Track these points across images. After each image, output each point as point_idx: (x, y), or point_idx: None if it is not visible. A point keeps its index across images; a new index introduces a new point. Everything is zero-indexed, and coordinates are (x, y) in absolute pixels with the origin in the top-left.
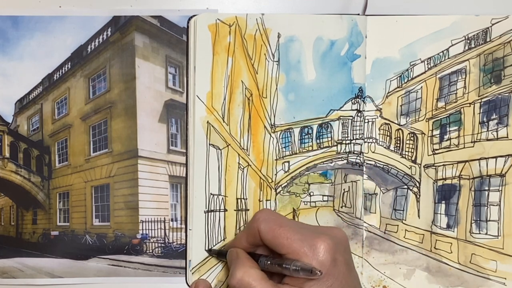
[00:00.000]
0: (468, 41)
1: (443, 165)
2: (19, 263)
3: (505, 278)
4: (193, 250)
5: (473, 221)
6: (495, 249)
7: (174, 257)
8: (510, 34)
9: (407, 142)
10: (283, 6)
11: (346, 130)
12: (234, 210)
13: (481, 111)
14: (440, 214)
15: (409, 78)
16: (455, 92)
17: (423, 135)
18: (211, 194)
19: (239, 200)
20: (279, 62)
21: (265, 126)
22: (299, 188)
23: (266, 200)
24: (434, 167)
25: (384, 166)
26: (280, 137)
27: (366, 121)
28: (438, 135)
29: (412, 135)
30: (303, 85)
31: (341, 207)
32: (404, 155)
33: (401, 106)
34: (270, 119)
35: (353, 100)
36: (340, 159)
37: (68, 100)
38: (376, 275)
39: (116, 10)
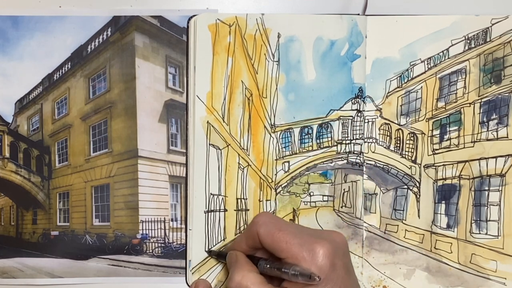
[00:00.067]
0: (468, 41)
1: (443, 165)
2: (19, 263)
3: (505, 278)
4: (193, 250)
5: (473, 221)
6: (495, 249)
7: (174, 257)
8: (510, 34)
9: (407, 142)
10: (283, 6)
11: (346, 130)
12: (234, 210)
13: (481, 111)
14: (440, 214)
15: (409, 78)
16: (455, 92)
17: (423, 135)
18: (211, 194)
19: (239, 200)
20: (279, 62)
21: (265, 126)
22: (299, 188)
23: (266, 200)
24: (434, 167)
25: (384, 166)
26: (280, 137)
27: (366, 121)
28: (438, 135)
29: (412, 135)
30: (303, 85)
31: (341, 207)
32: (404, 155)
33: (401, 106)
34: (270, 119)
35: (353, 100)
36: (340, 159)
37: (68, 100)
38: (376, 275)
39: (116, 10)
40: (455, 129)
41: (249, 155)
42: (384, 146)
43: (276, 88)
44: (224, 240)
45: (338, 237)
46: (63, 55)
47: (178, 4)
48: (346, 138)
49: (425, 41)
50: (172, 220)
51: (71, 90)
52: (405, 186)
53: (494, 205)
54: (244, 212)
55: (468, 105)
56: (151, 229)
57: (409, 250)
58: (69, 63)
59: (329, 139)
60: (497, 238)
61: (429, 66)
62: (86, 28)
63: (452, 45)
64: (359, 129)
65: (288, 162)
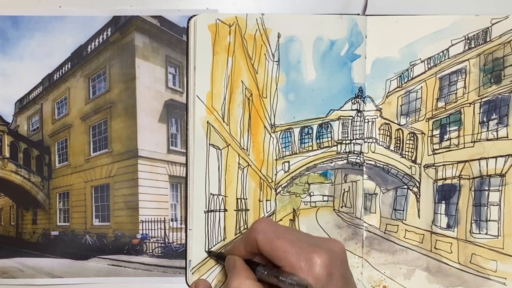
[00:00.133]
0: (468, 41)
1: (443, 165)
2: (19, 263)
3: (505, 278)
4: (193, 250)
5: (473, 221)
6: (495, 249)
7: (174, 257)
8: (510, 34)
9: (407, 142)
10: (283, 6)
11: (346, 130)
12: (234, 210)
13: (481, 111)
14: (440, 214)
15: (409, 78)
16: (455, 92)
17: (423, 135)
18: (211, 194)
19: (239, 200)
20: (279, 62)
21: (265, 126)
22: (299, 188)
23: (266, 200)
24: (434, 167)
25: (384, 166)
26: (280, 137)
27: (366, 121)
28: (438, 135)
29: (412, 135)
30: (303, 85)
31: (341, 207)
32: (404, 155)
33: (401, 106)
34: (270, 119)
35: (353, 100)
36: (340, 159)
37: (68, 100)
38: (376, 275)
39: (116, 10)
40: (455, 129)
41: (249, 155)
42: (384, 146)
43: (276, 88)
44: (224, 240)
45: (336, 246)
46: (63, 55)
47: (178, 4)
48: (346, 138)
49: (425, 41)
50: (172, 220)
51: (71, 90)
52: (405, 186)
53: (494, 205)
54: (244, 212)
55: (468, 105)
56: (151, 229)
57: (409, 250)
58: (69, 63)
59: (329, 139)
60: (497, 238)
61: (429, 66)
62: (86, 28)
63: (452, 45)
64: (359, 129)
65: (288, 162)
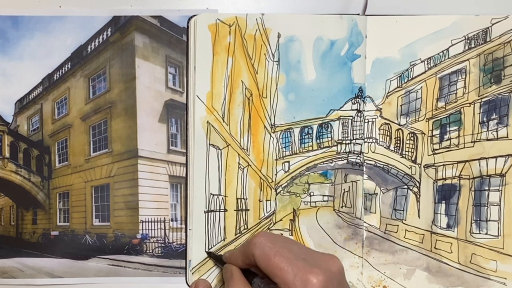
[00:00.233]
0: (468, 41)
1: (443, 165)
2: (19, 263)
3: (505, 278)
4: (193, 250)
5: (473, 221)
6: (495, 249)
7: (174, 257)
8: (510, 34)
9: (407, 142)
10: (283, 6)
11: (346, 130)
12: (234, 210)
13: (481, 111)
14: (440, 214)
15: (409, 78)
16: (455, 92)
17: (423, 135)
18: (211, 194)
19: (239, 200)
20: (279, 62)
21: (265, 126)
22: (299, 188)
23: (266, 200)
24: (434, 167)
25: (384, 166)
26: (280, 137)
27: (366, 121)
28: (438, 135)
29: (412, 135)
30: (303, 85)
31: (341, 207)
32: (404, 155)
33: (401, 106)
34: (270, 119)
35: (353, 100)
36: (340, 159)
37: (68, 100)
38: (376, 275)
39: (116, 10)
40: (455, 129)
41: (249, 155)
42: (384, 146)
43: (276, 88)
44: (224, 240)
45: (334, 265)
46: (63, 55)
47: (178, 4)
48: (346, 138)
49: (425, 41)
50: (172, 220)
51: (71, 90)
52: (405, 186)
53: (494, 205)
54: (244, 212)
55: (468, 105)
56: (151, 229)
57: (409, 250)
58: (69, 63)
59: (329, 139)
60: (497, 238)
61: (429, 66)
62: (86, 28)
63: (452, 45)
64: (359, 129)
65: (288, 162)
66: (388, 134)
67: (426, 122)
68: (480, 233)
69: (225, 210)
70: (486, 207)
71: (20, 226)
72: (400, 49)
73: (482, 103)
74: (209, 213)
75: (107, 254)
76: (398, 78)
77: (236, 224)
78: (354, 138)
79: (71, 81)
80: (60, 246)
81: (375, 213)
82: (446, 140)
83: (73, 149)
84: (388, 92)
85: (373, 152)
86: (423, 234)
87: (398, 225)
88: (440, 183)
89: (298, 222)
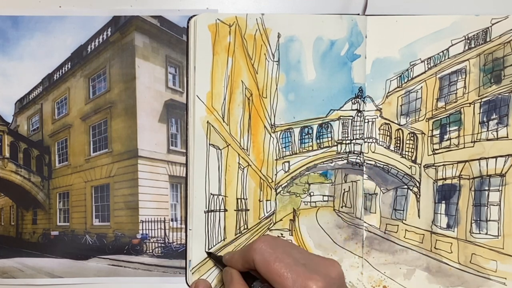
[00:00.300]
0: (468, 41)
1: (443, 165)
2: (19, 263)
3: (505, 278)
4: (193, 250)
5: (473, 221)
6: (495, 249)
7: (174, 257)
8: (510, 34)
9: (407, 142)
10: (283, 6)
11: (346, 130)
12: (234, 210)
13: (481, 111)
14: (440, 214)
15: (409, 78)
16: (455, 92)
17: (423, 135)
18: (211, 194)
19: (239, 200)
20: (279, 62)
21: (265, 126)
22: (299, 188)
23: (266, 200)
24: (434, 167)
25: (384, 166)
26: (280, 137)
27: (366, 121)
28: (438, 135)
29: (412, 135)
30: (303, 85)
31: (341, 207)
32: (404, 155)
33: (401, 106)
34: (270, 119)
35: (353, 100)
36: (340, 159)
37: (68, 100)
38: (376, 275)
39: (116, 10)
40: (455, 129)
41: (249, 155)
42: (384, 146)
43: (276, 88)
44: (224, 240)
45: (333, 271)
46: (63, 55)
47: (178, 4)
48: (346, 138)
49: (425, 41)
50: (172, 220)
51: (71, 90)
52: (405, 186)
53: (494, 205)
54: (244, 212)
55: (468, 105)
56: (151, 229)
57: (409, 250)
58: (69, 63)
59: (329, 139)
60: (497, 238)
61: (429, 66)
62: (86, 28)
63: (452, 45)
64: (359, 129)
65: (288, 162)
66: (388, 134)
67: (426, 122)
68: (480, 233)
69: (225, 210)
70: (486, 207)
71: (20, 226)
72: (400, 49)
73: (482, 103)
74: (209, 213)
75: (107, 254)
76: (398, 78)
77: (236, 224)
78: (354, 138)
79: (71, 81)
80: (60, 246)
81: (375, 213)
82: (446, 140)
83: (73, 149)
84: (388, 92)
85: (373, 152)
86: (423, 234)
87: (398, 225)
88: (440, 183)
89: (298, 222)
